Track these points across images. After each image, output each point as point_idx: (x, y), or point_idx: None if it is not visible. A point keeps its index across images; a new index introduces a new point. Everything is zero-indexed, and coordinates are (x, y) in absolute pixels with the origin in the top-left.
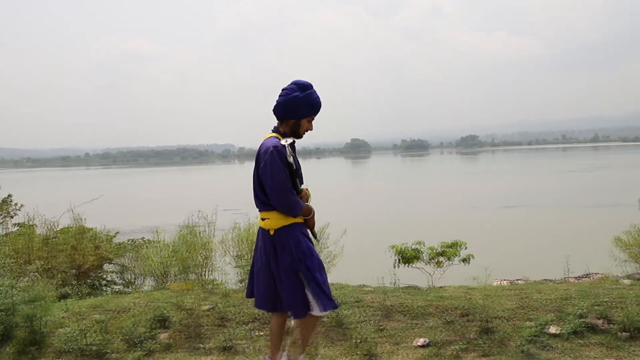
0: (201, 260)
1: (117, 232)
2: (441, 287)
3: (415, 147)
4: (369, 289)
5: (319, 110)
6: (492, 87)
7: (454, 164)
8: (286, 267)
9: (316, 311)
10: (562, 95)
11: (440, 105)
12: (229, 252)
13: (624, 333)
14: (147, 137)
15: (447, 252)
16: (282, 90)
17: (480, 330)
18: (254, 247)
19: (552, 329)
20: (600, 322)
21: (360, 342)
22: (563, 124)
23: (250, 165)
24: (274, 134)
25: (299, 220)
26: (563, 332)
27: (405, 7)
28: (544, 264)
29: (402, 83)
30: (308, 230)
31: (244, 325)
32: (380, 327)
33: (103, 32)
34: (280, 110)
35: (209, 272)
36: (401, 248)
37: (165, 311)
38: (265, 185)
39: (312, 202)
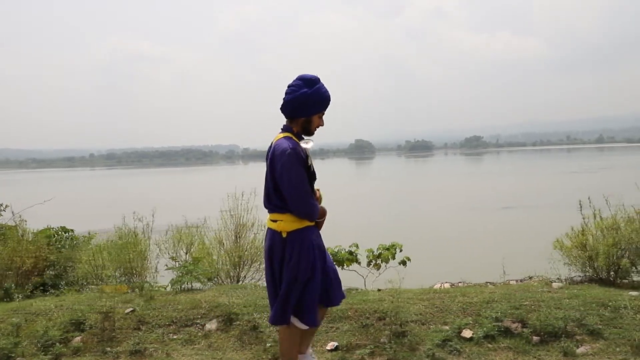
0: (134, 261)
1: (96, 233)
2: (379, 290)
3: (419, 148)
4: None
5: (328, 105)
6: (496, 87)
7: (458, 165)
8: (290, 272)
9: (297, 322)
10: (565, 96)
11: (444, 105)
12: (165, 253)
13: (535, 337)
14: (148, 137)
15: (383, 255)
16: (288, 87)
17: (393, 334)
18: (264, 254)
19: (466, 333)
20: (515, 325)
21: (270, 346)
22: (567, 124)
23: (254, 166)
24: (287, 134)
25: (311, 223)
26: (476, 336)
27: (406, 7)
28: (504, 265)
29: (404, 83)
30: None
31: (159, 329)
32: None
33: (103, 32)
34: (289, 108)
35: (142, 274)
36: (334, 251)
37: (81, 314)
38: (283, 188)
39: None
